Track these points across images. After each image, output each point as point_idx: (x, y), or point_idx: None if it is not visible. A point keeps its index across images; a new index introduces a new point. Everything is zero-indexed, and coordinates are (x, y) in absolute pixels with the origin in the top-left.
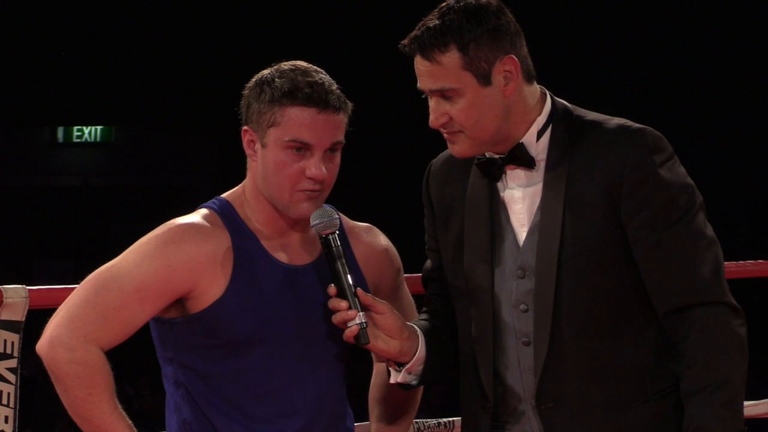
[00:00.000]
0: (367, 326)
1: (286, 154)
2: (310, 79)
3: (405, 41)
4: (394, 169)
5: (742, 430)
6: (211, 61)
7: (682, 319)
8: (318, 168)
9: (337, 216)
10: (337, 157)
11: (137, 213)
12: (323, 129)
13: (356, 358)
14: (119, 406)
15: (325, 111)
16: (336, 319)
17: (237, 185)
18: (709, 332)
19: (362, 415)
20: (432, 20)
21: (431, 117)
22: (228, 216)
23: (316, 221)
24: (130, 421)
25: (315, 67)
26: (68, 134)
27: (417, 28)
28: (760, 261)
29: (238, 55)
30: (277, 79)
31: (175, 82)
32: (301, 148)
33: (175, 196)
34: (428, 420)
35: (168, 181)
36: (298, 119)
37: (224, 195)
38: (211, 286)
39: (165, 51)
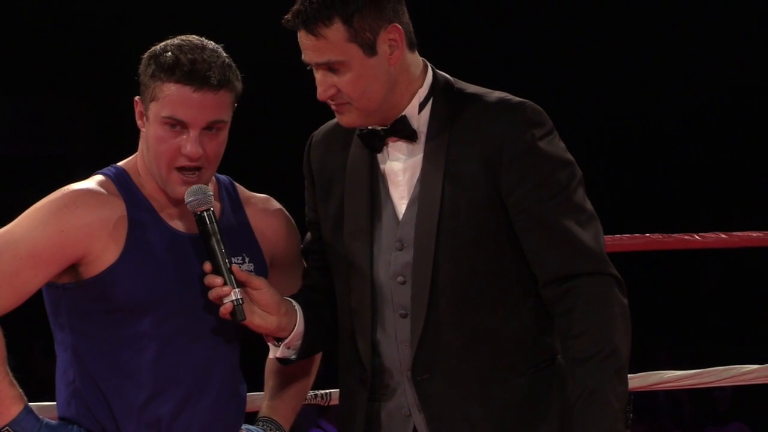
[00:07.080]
0: (243, 302)
1: (163, 129)
2: (193, 56)
3: (288, 16)
4: (275, 142)
5: (629, 399)
6: (90, 28)
7: (566, 289)
8: (193, 146)
9: (211, 193)
10: (220, 136)
11: (13, 182)
12: (199, 108)
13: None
14: (10, 373)
15: (201, 89)
16: (211, 295)
17: (114, 155)
18: (596, 302)
19: (258, 386)
20: None
21: (319, 90)
22: (123, 183)
23: (190, 198)
24: (21, 390)
25: (207, 42)
26: None
27: (299, 1)
28: (636, 235)
29: (117, 23)
30: (163, 54)
31: (52, 49)
32: (176, 125)
33: (51, 165)
34: None
35: (44, 150)
36: (173, 96)
37: (120, 163)
38: (104, 252)
39: (40, 15)
